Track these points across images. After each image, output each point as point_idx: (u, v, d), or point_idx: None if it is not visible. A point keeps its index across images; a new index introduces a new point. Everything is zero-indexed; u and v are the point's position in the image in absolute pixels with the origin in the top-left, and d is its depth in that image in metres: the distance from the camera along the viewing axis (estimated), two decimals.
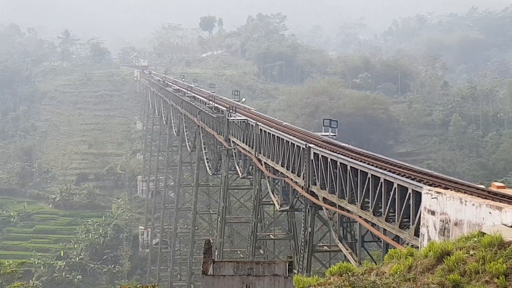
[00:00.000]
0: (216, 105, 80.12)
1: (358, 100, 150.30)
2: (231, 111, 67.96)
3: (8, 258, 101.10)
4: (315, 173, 43.30)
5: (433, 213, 26.98)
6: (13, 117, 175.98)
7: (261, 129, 56.97)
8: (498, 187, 27.47)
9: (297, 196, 50.60)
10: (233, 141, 68.08)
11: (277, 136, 52.01)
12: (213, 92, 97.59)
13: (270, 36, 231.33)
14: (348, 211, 38.17)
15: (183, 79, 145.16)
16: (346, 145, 44.77)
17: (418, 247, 27.13)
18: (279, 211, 56.55)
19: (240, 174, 68.02)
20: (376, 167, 34.79)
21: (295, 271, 43.34)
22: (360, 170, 35.66)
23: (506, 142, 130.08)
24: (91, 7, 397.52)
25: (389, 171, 33.36)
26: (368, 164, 35.83)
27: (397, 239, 32.65)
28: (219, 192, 76.82)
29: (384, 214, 32.99)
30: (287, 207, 53.57)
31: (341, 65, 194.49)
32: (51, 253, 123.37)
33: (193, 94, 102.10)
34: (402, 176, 31.95)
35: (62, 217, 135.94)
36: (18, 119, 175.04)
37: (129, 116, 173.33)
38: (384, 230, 33.33)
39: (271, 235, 66.26)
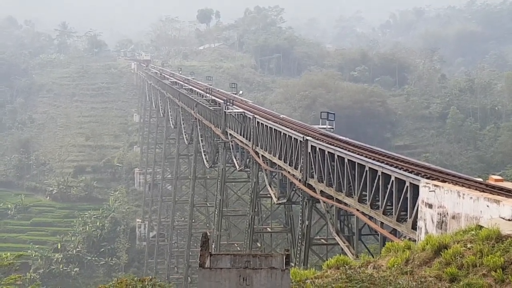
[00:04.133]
0: (213, 97, 79.99)
1: (356, 93, 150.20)
2: (228, 103, 67.86)
3: (5, 250, 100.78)
4: (313, 166, 43.23)
5: (430, 206, 26.95)
6: (10, 109, 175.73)
7: (258, 122, 56.89)
8: (496, 180, 27.43)
9: (294, 189, 50.57)
10: (230, 134, 68.02)
11: (274, 129, 51.92)
12: (210, 85, 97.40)
13: (268, 29, 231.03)
14: (346, 204, 38.14)
15: (180, 72, 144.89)
16: (344, 138, 44.68)
17: (415, 240, 27.09)
18: (276, 204, 56.54)
19: (237, 167, 67.99)
20: (374, 160, 34.73)
21: (292, 264, 43.35)
22: (358, 163, 35.61)
23: (504, 135, 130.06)
24: (88, 0, 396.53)
25: (386, 164, 33.31)
26: (366, 157, 35.76)
27: (394, 232, 32.64)
28: (216, 185, 76.80)
29: (381, 207, 32.97)
30: (284, 200, 53.55)
31: (339, 58, 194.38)
32: (48, 246, 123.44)
33: (190, 87, 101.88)
34: (400, 169, 31.90)
35: (59, 210, 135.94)
36: (15, 112, 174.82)
37: (126, 108, 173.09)
38: (382, 223, 33.31)
39: (268, 228, 66.23)
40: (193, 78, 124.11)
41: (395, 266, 20.60)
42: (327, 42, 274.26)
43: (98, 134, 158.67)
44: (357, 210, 36.05)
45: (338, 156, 38.42)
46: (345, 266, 21.06)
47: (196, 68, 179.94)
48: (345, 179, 37.54)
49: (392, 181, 31.49)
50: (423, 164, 33.53)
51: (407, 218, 30.48)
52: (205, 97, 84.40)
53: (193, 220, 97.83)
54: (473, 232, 21.27)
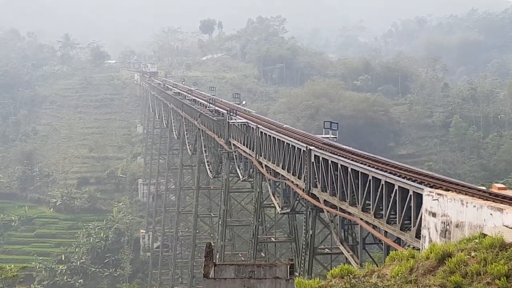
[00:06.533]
0: (216, 108, 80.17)
1: (359, 102, 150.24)
2: (231, 114, 67.97)
3: (9, 262, 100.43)
4: (316, 176, 43.28)
5: (434, 215, 26.96)
6: (13, 121, 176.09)
7: (261, 132, 56.97)
8: (499, 188, 27.47)
9: (298, 199, 50.58)
10: (233, 144, 68.09)
11: (277, 139, 52.00)
12: (214, 95, 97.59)
13: (270, 39, 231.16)
14: (349, 213, 38.16)
15: (183, 82, 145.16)
16: (347, 147, 44.76)
17: (419, 249, 27.11)
18: (280, 213, 56.55)
19: (241, 177, 68.05)
20: (377, 169, 34.77)
21: (296, 274, 43.33)
22: (361, 172, 35.65)
23: (507, 143, 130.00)
24: (91, 11, 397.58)
25: (390, 173, 33.36)
26: (369, 166, 35.81)
27: (398, 241, 32.63)
28: (220, 195, 76.84)
29: (385, 216, 32.98)
30: (288, 210, 53.56)
31: (341, 67, 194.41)
32: (52, 257, 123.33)
33: (194, 97, 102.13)
34: (403, 178, 31.94)
35: (63, 221, 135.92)
36: (18, 123, 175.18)
37: (130, 119, 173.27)
38: (385, 232, 33.32)
39: (272, 238, 66.18)
40: (196, 89, 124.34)
41: (400, 275, 20.63)
42: (329, 51, 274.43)
43: (101, 145, 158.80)
44: (361, 219, 36.07)
45: (341, 165, 38.47)
46: (349, 275, 21.10)
47: (199, 78, 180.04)
48: (349, 188, 37.57)
49: (396, 190, 31.52)
50: (427, 173, 33.58)
51: (410, 227, 30.49)
52: (208, 107, 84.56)
53: (197, 231, 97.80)
54: (477, 241, 21.30)
